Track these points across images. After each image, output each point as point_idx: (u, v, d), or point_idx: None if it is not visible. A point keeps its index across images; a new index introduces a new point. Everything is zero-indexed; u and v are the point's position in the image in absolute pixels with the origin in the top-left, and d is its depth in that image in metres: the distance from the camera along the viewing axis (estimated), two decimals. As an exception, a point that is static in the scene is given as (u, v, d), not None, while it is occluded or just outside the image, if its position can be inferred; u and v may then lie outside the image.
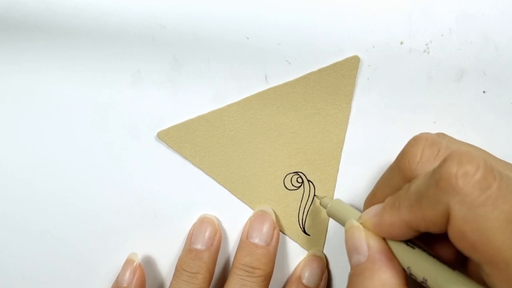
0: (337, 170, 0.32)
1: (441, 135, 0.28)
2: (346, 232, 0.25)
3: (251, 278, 0.29)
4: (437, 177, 0.20)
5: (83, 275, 0.33)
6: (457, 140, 0.27)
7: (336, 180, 0.32)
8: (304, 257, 0.32)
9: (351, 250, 0.24)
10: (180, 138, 0.32)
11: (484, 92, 0.30)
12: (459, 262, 0.23)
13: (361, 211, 0.26)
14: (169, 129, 0.32)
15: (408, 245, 0.23)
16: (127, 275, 0.31)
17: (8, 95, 0.32)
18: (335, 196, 0.32)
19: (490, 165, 0.19)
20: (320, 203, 0.29)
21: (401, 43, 0.30)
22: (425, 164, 0.23)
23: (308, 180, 0.32)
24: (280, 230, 0.32)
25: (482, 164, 0.19)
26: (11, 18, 0.32)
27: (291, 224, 0.32)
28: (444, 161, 0.20)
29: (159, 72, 0.32)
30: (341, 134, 0.31)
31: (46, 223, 0.33)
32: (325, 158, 0.32)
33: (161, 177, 0.32)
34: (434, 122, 0.31)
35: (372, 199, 0.26)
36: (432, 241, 0.23)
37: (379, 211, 0.23)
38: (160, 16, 0.31)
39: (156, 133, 0.32)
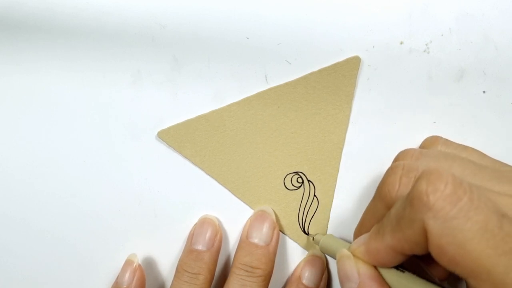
0: (337, 170, 0.32)
1: (435, 140, 0.29)
2: (338, 262, 0.26)
3: (251, 278, 0.29)
4: (410, 197, 0.21)
5: (83, 275, 0.33)
6: (445, 148, 0.28)
7: (336, 180, 0.32)
8: (304, 257, 0.32)
9: (342, 278, 0.25)
10: (181, 138, 0.32)
11: (484, 92, 0.30)
12: (453, 280, 0.23)
13: (350, 243, 0.27)
14: (169, 128, 0.32)
15: (398, 269, 0.23)
16: (127, 276, 0.31)
17: (8, 95, 0.32)
18: (336, 196, 0.32)
19: (458, 179, 0.20)
20: (313, 240, 0.31)
21: (401, 43, 0.30)
22: (403, 191, 0.23)
23: (308, 180, 0.32)
24: (280, 230, 0.32)
25: (450, 180, 0.20)
26: (11, 18, 0.32)
27: (291, 224, 0.32)
28: (416, 181, 0.21)
29: (159, 72, 0.32)
30: (341, 134, 0.31)
31: (46, 223, 0.33)
32: (325, 158, 0.32)
33: (161, 177, 0.32)
34: (434, 122, 0.31)
35: (360, 230, 0.27)
36: (424, 263, 0.24)
37: (366, 240, 0.24)
38: (160, 16, 0.31)
39: (156, 133, 0.32)
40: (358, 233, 0.27)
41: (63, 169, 0.33)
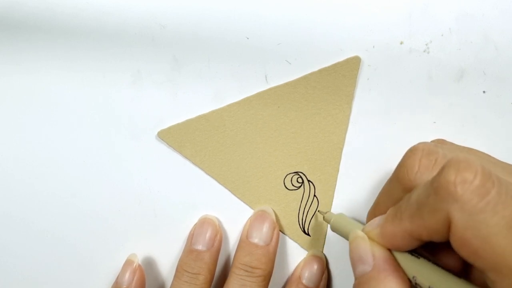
0: (337, 170, 0.32)
1: (439, 142, 0.28)
2: (351, 243, 0.25)
3: (250, 278, 0.29)
4: (435, 185, 0.20)
5: (83, 275, 0.33)
6: (455, 147, 0.27)
7: (336, 180, 0.32)
8: (304, 257, 0.32)
9: (355, 260, 0.24)
10: (181, 138, 0.32)
11: (484, 92, 0.30)
12: (464, 271, 0.23)
13: (363, 224, 0.26)
14: (169, 128, 0.32)
15: (412, 255, 0.23)
16: (127, 276, 0.31)
17: (8, 95, 0.32)
18: (336, 196, 0.32)
19: (488, 171, 0.19)
20: (324, 218, 0.30)
21: (401, 43, 0.30)
22: (423, 174, 0.23)
23: (308, 180, 0.32)
24: (280, 230, 0.32)
25: (480, 171, 0.19)
26: (11, 18, 0.32)
27: (291, 224, 0.32)
28: (442, 169, 0.20)
29: (159, 72, 0.32)
30: (341, 134, 0.31)
31: (46, 223, 0.33)
32: (326, 158, 0.32)
33: (161, 177, 0.32)
34: (434, 122, 0.31)
35: (374, 211, 0.26)
36: (437, 250, 0.24)
37: (381, 222, 0.24)
38: (160, 16, 0.31)
39: (156, 133, 0.32)
40: (372, 215, 0.27)
41: (63, 169, 0.33)
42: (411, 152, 0.24)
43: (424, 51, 0.30)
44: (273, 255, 0.30)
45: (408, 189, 0.23)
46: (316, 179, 0.32)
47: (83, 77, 0.32)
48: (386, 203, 0.25)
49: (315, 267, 0.31)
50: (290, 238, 0.32)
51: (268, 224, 0.31)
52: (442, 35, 0.30)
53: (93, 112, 0.32)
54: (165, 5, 0.31)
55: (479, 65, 0.30)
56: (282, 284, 0.33)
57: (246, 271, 0.29)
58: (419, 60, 0.30)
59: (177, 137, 0.32)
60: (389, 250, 0.24)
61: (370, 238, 0.24)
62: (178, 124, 0.32)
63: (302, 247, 0.32)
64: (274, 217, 0.31)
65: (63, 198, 0.33)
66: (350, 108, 0.31)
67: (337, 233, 0.28)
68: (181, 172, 0.32)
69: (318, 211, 0.32)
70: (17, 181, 0.33)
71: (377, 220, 0.24)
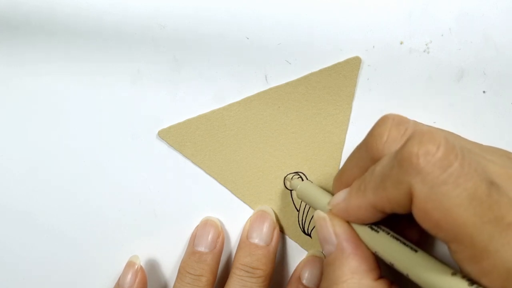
0: (338, 171, 0.32)
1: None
2: (315, 223, 0.25)
3: (251, 278, 0.29)
4: (399, 157, 0.20)
5: (83, 275, 0.33)
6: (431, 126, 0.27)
7: (336, 180, 0.32)
8: (304, 258, 0.32)
9: (321, 241, 0.25)
10: (181, 137, 0.32)
11: (484, 92, 0.30)
12: (426, 242, 0.23)
13: (330, 193, 0.27)
14: (170, 128, 0.32)
15: (372, 229, 0.23)
16: (129, 277, 0.31)
17: (9, 95, 0.32)
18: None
19: (451, 143, 0.19)
20: (290, 185, 0.29)
21: (401, 43, 0.30)
22: (391, 144, 0.22)
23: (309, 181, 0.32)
24: (280, 230, 0.32)
25: (443, 143, 0.19)
26: (11, 18, 0.31)
27: (291, 224, 0.32)
28: (406, 141, 0.20)
29: (159, 72, 0.32)
30: (341, 134, 0.31)
31: (46, 224, 0.33)
32: (326, 158, 0.32)
33: (161, 176, 0.32)
34: (434, 122, 0.31)
35: (340, 179, 0.26)
36: (399, 221, 0.24)
37: (346, 196, 0.24)
38: (160, 16, 0.31)
39: (156, 133, 0.32)
40: (337, 182, 0.26)
41: (63, 169, 0.32)
42: (382, 121, 0.23)
43: (424, 51, 0.30)
44: (273, 255, 0.30)
45: (376, 159, 0.23)
46: (316, 179, 0.32)
47: (83, 77, 0.32)
48: (353, 170, 0.25)
49: (315, 267, 0.31)
50: (290, 238, 0.32)
51: (268, 224, 0.31)
52: (442, 35, 0.30)
53: (93, 112, 0.32)
54: (165, 5, 0.31)
55: (479, 65, 0.30)
56: (282, 284, 0.33)
57: (247, 271, 0.29)
58: (419, 60, 0.30)
59: (178, 137, 0.32)
60: (351, 225, 0.24)
61: (335, 213, 0.24)
62: (178, 124, 0.32)
63: (302, 247, 0.32)
64: (274, 217, 0.31)
65: (63, 198, 0.33)
66: (350, 108, 0.31)
67: (304, 201, 0.29)
68: (181, 172, 0.32)
69: (285, 177, 0.31)
70: (17, 181, 0.33)
71: (342, 193, 0.24)
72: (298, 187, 0.29)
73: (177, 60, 0.31)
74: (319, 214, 0.25)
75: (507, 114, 0.30)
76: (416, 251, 0.22)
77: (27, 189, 0.33)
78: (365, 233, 0.23)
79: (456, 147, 0.19)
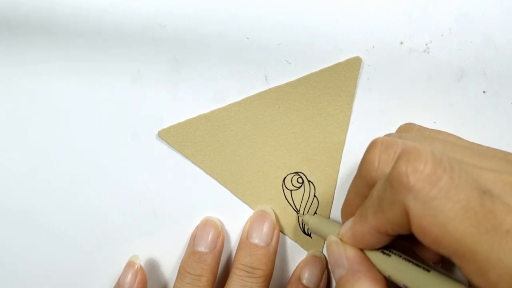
0: (338, 171, 0.32)
1: (407, 127, 0.27)
2: (327, 248, 0.26)
3: (251, 278, 0.29)
4: (390, 178, 0.20)
5: (83, 275, 0.33)
6: (420, 133, 0.26)
7: (336, 181, 0.32)
8: (304, 258, 0.32)
9: (332, 265, 0.25)
10: (181, 137, 0.32)
11: (484, 92, 0.30)
12: (448, 262, 0.23)
13: (340, 223, 0.27)
14: (170, 128, 0.32)
15: (384, 253, 0.23)
16: (129, 277, 0.31)
17: (9, 95, 0.32)
18: (336, 196, 0.32)
19: (438, 158, 0.19)
20: (303, 221, 0.31)
21: (401, 43, 0.30)
22: (383, 168, 0.23)
23: (309, 181, 0.32)
24: (280, 230, 0.32)
25: (430, 159, 0.19)
26: (11, 18, 0.31)
27: (291, 224, 0.32)
28: (395, 162, 0.20)
29: (159, 72, 0.32)
30: (342, 134, 0.31)
31: (46, 224, 0.33)
32: (326, 158, 0.32)
33: (161, 176, 0.32)
34: (434, 122, 0.31)
35: (345, 209, 0.27)
36: (415, 245, 0.24)
37: (351, 224, 0.24)
38: (160, 16, 0.31)
39: (156, 133, 0.32)
40: (344, 212, 0.27)
41: (63, 169, 0.32)
42: (371, 147, 0.24)
43: (424, 51, 0.30)
44: (273, 255, 0.30)
45: (372, 185, 0.23)
46: (317, 179, 0.32)
47: (83, 77, 0.32)
48: (354, 199, 0.25)
49: (314, 267, 0.31)
50: (290, 238, 0.32)
51: (268, 224, 0.31)
52: (442, 35, 0.30)
53: (93, 112, 0.32)
54: (165, 5, 0.31)
55: (479, 65, 0.30)
56: (282, 284, 0.33)
57: (247, 271, 0.29)
58: (419, 60, 0.30)
59: (178, 137, 0.32)
60: (362, 251, 0.24)
61: (344, 241, 0.25)
62: (178, 124, 0.32)
63: (302, 247, 0.32)
64: (274, 217, 0.31)
65: (63, 198, 0.33)
66: (350, 108, 0.31)
67: (316, 234, 0.29)
68: (181, 172, 0.32)
69: (298, 213, 0.32)
70: (17, 181, 0.33)
71: (348, 223, 0.25)
72: (310, 221, 0.30)
73: (177, 60, 0.31)
74: (331, 238, 0.26)
75: (507, 114, 0.30)
76: (428, 271, 0.22)
77: (27, 189, 0.33)
78: (377, 257, 0.24)
79: (444, 161, 0.19)
